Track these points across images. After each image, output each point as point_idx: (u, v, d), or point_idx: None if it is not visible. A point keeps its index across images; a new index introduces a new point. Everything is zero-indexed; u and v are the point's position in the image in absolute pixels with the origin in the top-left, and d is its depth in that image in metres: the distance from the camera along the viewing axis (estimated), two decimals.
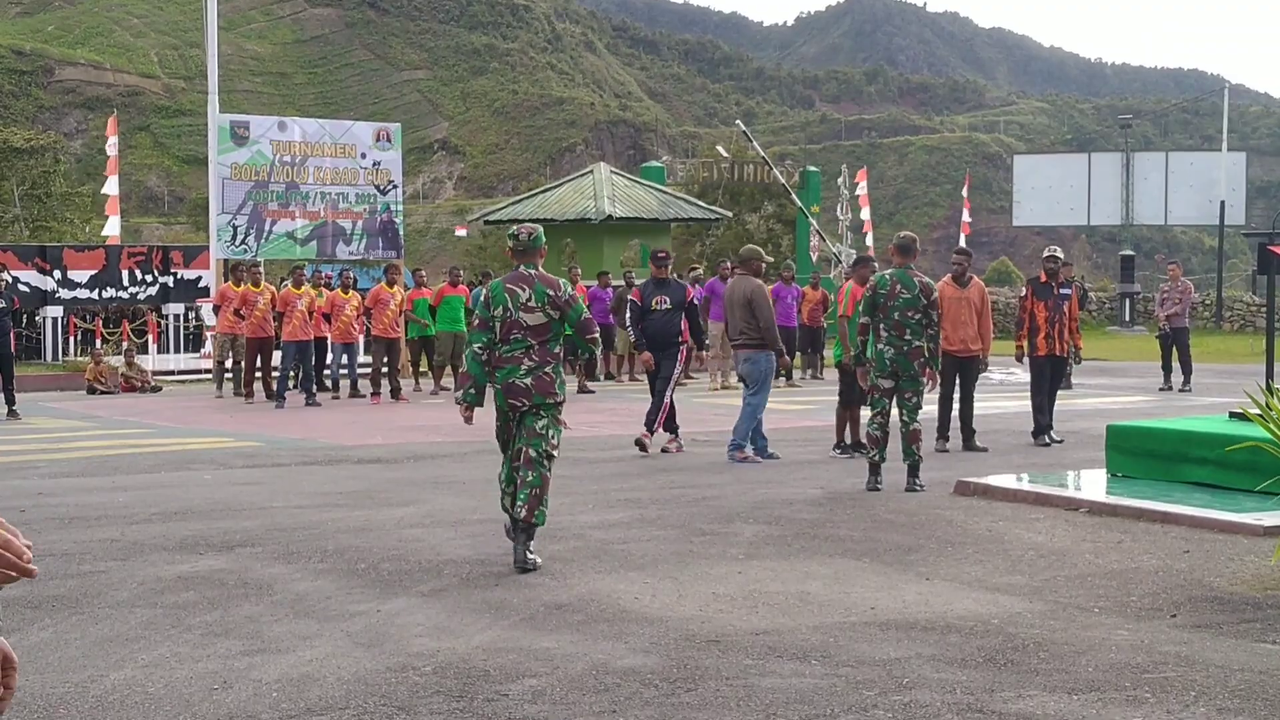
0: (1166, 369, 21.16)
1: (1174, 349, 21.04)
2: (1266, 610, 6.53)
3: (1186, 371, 20.91)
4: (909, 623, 6.30)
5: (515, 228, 8.09)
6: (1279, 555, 7.17)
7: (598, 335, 8.04)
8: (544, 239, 8.10)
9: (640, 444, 12.88)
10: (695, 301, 13.52)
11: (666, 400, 13.09)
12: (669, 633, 6.11)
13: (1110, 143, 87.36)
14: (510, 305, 7.76)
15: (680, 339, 13.33)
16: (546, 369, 7.74)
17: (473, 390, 8.00)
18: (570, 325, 7.84)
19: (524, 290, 7.77)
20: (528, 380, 7.70)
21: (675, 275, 15.07)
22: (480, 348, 7.84)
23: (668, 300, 13.22)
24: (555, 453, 7.80)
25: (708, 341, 24.05)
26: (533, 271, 7.88)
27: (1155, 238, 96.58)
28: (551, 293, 7.78)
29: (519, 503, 7.61)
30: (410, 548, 8.16)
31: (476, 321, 8.01)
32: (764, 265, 13.13)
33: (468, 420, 8.10)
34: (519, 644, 5.92)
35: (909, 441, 10.66)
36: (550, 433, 7.74)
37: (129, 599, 6.84)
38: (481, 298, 8.11)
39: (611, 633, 6.12)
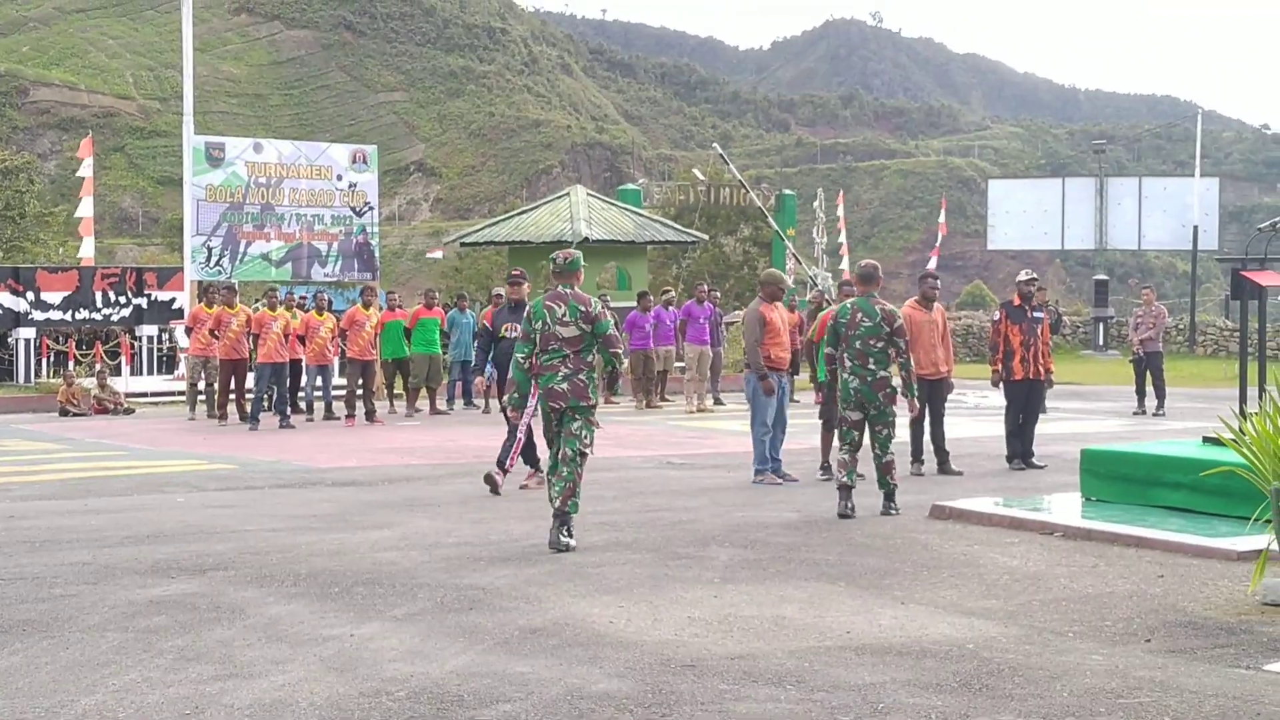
0: (1140, 393, 21.26)
1: (1148, 373, 21.14)
2: (1240, 635, 6.55)
3: (1160, 396, 21.01)
4: (884, 647, 6.30)
5: (555, 252, 9.38)
6: (1256, 582, 7.18)
7: (620, 350, 9.16)
8: (581, 262, 9.32)
9: (491, 480, 11.76)
10: None
11: (521, 435, 11.87)
12: (644, 657, 6.09)
13: (1084, 168, 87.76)
14: (549, 320, 8.98)
15: None
16: (580, 375, 8.91)
17: (516, 395, 9.54)
18: (597, 337, 8.98)
19: (560, 307, 8.99)
20: (564, 385, 8.89)
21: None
22: (523, 357, 9.11)
23: (518, 327, 11.39)
24: (588, 450, 8.96)
25: (681, 365, 24.28)
26: (569, 290, 9.08)
27: (1129, 262, 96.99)
28: (583, 309, 8.97)
29: (554, 494, 8.86)
30: (384, 571, 8.12)
31: (520, 334, 9.32)
32: (782, 290, 13.14)
33: (515, 420, 10.28)
34: (493, 668, 5.90)
35: (883, 473, 10.65)
36: (584, 433, 8.92)
37: (100, 623, 6.78)
38: (526, 313, 9.22)
39: (586, 657, 6.10)
